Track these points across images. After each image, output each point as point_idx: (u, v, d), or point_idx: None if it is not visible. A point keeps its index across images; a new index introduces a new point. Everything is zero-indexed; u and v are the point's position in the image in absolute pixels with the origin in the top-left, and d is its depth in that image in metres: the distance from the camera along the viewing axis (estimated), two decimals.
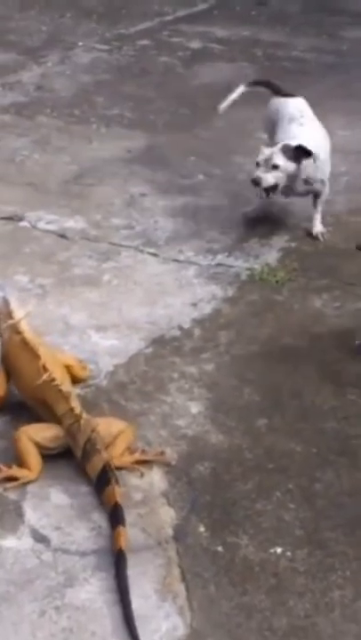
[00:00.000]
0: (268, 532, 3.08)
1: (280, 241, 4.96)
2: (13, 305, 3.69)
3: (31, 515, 3.18)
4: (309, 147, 4.73)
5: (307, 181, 4.86)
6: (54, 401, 3.42)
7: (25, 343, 3.58)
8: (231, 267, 4.71)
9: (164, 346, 4.10)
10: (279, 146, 4.73)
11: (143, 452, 3.43)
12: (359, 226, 5.06)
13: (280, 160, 4.68)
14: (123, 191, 5.48)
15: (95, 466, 3.27)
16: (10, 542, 3.08)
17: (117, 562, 2.97)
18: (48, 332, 4.13)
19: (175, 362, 3.99)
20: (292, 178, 4.77)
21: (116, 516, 3.09)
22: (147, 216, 5.22)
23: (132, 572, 2.95)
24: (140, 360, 3.99)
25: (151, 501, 3.24)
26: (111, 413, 3.64)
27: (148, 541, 3.08)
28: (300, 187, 4.87)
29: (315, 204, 4.99)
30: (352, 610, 2.85)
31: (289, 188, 4.83)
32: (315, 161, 4.75)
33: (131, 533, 3.09)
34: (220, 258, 4.78)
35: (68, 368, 3.68)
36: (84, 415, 3.37)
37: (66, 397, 3.41)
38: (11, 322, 3.65)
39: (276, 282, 4.56)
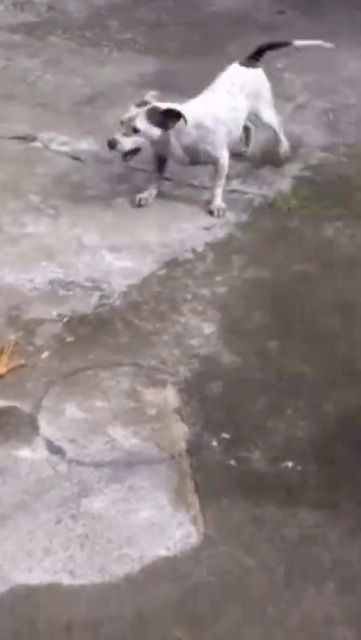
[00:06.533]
0: (279, 447, 3.14)
1: (293, 169, 4.94)
2: None
3: (46, 428, 3.24)
4: (188, 113, 4.31)
5: (190, 150, 4.45)
6: None
7: None
8: (245, 193, 4.71)
9: (176, 268, 4.13)
10: (145, 108, 4.33)
11: None
12: None
13: (142, 124, 4.31)
14: None
15: None
16: (24, 453, 3.14)
17: None
18: (61, 251, 4.17)
19: (188, 284, 4.02)
20: (161, 144, 4.40)
21: None
22: None
23: (146, 483, 3.03)
24: (154, 281, 4.03)
25: (165, 417, 3.30)
26: (125, 332, 3.70)
27: (161, 455, 3.14)
28: (181, 155, 4.48)
29: (213, 176, 4.58)
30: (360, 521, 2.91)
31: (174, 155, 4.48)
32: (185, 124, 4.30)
33: (144, 447, 3.17)
34: (234, 184, 4.75)
35: None
36: None
37: None
38: None
39: (289, 209, 4.56)
